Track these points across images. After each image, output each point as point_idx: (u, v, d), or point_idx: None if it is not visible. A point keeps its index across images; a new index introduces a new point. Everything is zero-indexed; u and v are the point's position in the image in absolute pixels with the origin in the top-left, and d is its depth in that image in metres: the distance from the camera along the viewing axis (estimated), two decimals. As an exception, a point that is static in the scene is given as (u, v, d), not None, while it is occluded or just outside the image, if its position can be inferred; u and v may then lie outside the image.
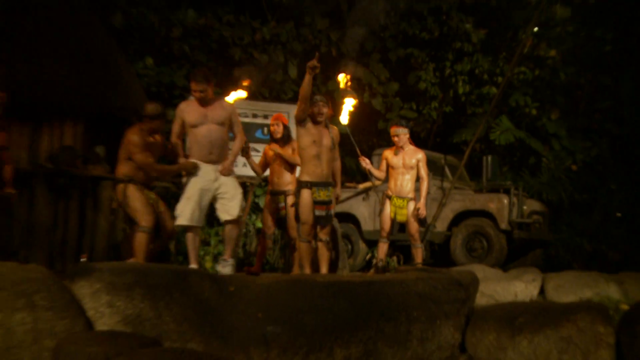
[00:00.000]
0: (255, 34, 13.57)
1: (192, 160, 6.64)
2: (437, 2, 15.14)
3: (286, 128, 8.32)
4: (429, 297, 5.85)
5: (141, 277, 5.16)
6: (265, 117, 11.11)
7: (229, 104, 6.96)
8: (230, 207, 6.63)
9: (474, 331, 5.89)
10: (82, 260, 8.76)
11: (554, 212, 13.41)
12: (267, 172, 8.44)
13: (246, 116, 10.76)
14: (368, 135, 14.61)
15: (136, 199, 6.82)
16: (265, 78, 13.54)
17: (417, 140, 9.41)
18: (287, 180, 8.09)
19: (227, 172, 6.66)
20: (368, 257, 11.77)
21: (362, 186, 11.55)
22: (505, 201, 11.19)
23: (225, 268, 6.54)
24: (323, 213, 7.19)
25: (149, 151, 6.95)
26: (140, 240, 6.73)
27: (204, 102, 6.63)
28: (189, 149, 6.79)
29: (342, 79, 7.72)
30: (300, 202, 7.20)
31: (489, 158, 12.14)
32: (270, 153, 8.22)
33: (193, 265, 6.43)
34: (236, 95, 7.52)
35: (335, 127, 7.29)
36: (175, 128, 6.76)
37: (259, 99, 12.28)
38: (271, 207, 8.17)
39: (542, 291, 8.63)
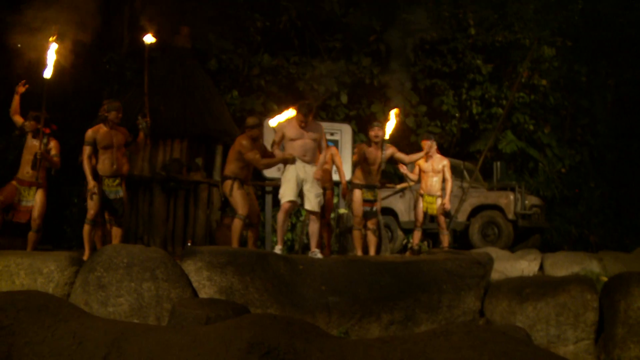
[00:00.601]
0: (315, 70, 13.56)
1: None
2: (454, 43, 14.99)
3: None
4: (455, 273, 5.79)
5: (232, 257, 5.20)
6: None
7: (321, 125, 6.82)
8: (313, 202, 6.40)
9: (491, 300, 5.82)
10: (188, 244, 8.84)
11: (548, 205, 13.15)
12: None
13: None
14: (403, 147, 14.47)
15: (238, 193, 6.69)
16: (322, 104, 13.55)
17: (441, 150, 9.29)
18: (327, 179, 8.01)
19: (317, 176, 6.44)
20: (404, 242, 11.64)
21: (399, 186, 11.42)
22: (512, 197, 10.95)
23: (317, 256, 6.19)
24: (369, 209, 7.16)
25: (255, 150, 6.82)
26: (236, 225, 6.63)
27: (303, 127, 6.51)
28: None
29: (395, 112, 7.73)
30: (353, 199, 7.20)
31: (498, 163, 12.00)
32: None
33: (279, 246, 6.30)
34: (287, 115, 7.42)
35: (390, 146, 7.37)
36: (276, 139, 6.61)
37: (318, 119, 12.24)
38: None
39: (541, 267, 8.50)
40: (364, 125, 14.10)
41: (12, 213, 6.45)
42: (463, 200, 10.53)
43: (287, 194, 6.37)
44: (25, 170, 6.46)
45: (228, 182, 6.75)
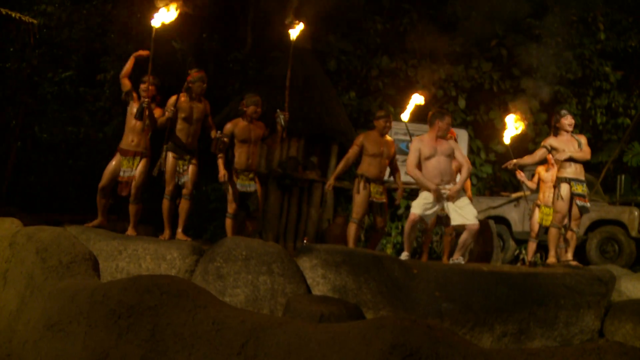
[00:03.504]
0: (433, 74, 13.41)
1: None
2: (581, 49, 14.31)
3: None
4: (574, 289, 5.51)
5: (347, 257, 5.19)
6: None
7: (453, 140, 6.44)
8: (457, 215, 6.06)
9: (612, 320, 5.50)
10: (304, 241, 8.97)
11: (679, 225, 12.21)
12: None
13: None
14: (521, 154, 14.02)
15: (359, 194, 6.53)
16: (440, 107, 13.38)
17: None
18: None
19: (453, 198, 6.04)
20: (516, 252, 11.27)
21: (514, 195, 11.09)
22: (636, 213, 10.31)
23: (461, 262, 6.06)
24: (580, 203, 6.63)
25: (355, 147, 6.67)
26: (350, 229, 6.57)
27: (443, 136, 6.18)
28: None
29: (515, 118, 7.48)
30: (561, 193, 6.65)
31: (622, 177, 11.56)
32: None
33: (406, 252, 6.18)
34: (415, 102, 7.06)
35: (582, 136, 6.93)
36: (413, 160, 6.10)
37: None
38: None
39: (669, 291, 7.90)
40: (480, 131, 13.79)
41: (119, 187, 6.24)
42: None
43: (416, 206, 6.10)
44: (130, 139, 6.20)
45: (356, 180, 6.66)
